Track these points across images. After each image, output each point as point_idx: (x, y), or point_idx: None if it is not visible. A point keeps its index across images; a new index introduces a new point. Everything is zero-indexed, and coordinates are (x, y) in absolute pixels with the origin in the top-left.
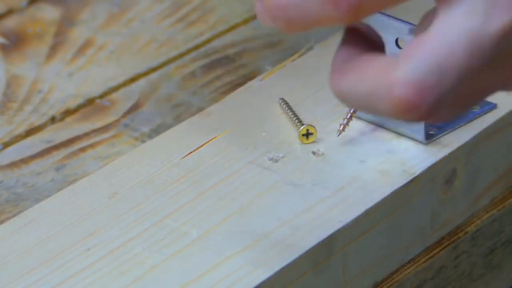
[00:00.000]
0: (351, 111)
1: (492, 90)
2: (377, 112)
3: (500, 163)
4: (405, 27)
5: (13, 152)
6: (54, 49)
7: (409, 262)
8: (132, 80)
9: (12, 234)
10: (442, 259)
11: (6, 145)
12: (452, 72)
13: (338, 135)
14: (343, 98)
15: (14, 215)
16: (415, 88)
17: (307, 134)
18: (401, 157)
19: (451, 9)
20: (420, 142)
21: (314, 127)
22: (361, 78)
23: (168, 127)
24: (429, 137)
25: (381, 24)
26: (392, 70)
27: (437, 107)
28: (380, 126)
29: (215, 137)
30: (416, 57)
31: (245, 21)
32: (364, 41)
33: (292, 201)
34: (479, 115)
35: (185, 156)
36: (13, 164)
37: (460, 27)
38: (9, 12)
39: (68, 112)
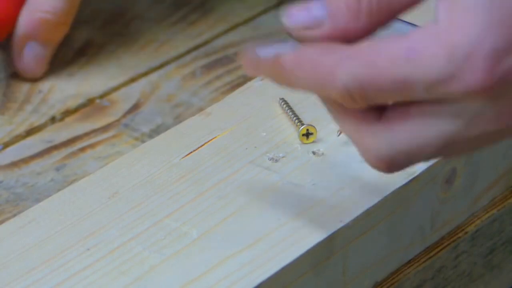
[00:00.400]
0: None
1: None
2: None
3: (500, 163)
4: (405, 27)
5: (13, 152)
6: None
7: (409, 262)
8: (132, 80)
9: (12, 234)
10: (442, 259)
11: (6, 145)
12: (419, 159)
13: (338, 135)
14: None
15: (14, 215)
16: (386, 164)
17: (307, 134)
18: None
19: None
20: None
21: (314, 127)
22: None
23: (168, 127)
24: None
25: None
26: (372, 138)
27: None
28: None
29: (215, 137)
30: (392, 137)
31: (245, 21)
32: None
33: (292, 201)
34: None
35: (185, 156)
36: (13, 164)
37: (435, 130)
38: None
39: (68, 112)
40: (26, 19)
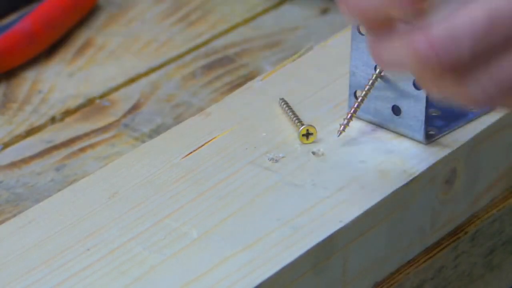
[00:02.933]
0: (352, 111)
1: None
2: (409, 71)
3: (500, 163)
4: None
5: (13, 152)
6: (54, 49)
7: (409, 262)
8: (132, 80)
9: (12, 234)
10: (442, 259)
11: (6, 145)
12: (465, 40)
13: (339, 135)
14: (381, 62)
15: (14, 215)
16: (429, 42)
17: (307, 134)
18: (401, 157)
19: None
20: (420, 142)
21: (314, 127)
22: (395, 43)
23: (168, 127)
24: (429, 137)
25: None
26: (418, 31)
27: (452, 69)
28: (380, 126)
29: (215, 137)
30: (437, 21)
31: (245, 21)
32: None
33: (292, 201)
34: (479, 115)
35: (185, 156)
36: (13, 164)
37: (483, 1)
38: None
39: (68, 112)
40: None
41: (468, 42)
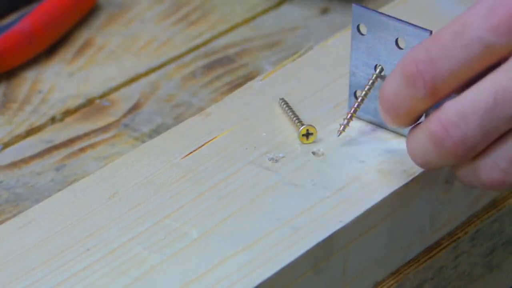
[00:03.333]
0: (352, 111)
1: None
2: (434, 158)
3: None
4: (405, 28)
5: (13, 152)
6: (54, 49)
7: (409, 262)
8: (132, 80)
9: (12, 234)
10: (442, 259)
11: (6, 145)
12: (474, 118)
13: (339, 135)
14: (415, 158)
15: (14, 215)
16: (441, 123)
17: (307, 134)
18: (401, 157)
19: (494, 71)
20: None
21: (314, 127)
22: (418, 128)
23: (168, 127)
24: None
25: (382, 25)
26: (432, 115)
27: (465, 145)
28: (380, 126)
29: (215, 137)
30: (449, 103)
31: (245, 21)
32: None
33: (292, 201)
34: None
35: (185, 156)
36: (13, 164)
37: (490, 81)
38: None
39: (68, 112)
40: None
41: (476, 119)
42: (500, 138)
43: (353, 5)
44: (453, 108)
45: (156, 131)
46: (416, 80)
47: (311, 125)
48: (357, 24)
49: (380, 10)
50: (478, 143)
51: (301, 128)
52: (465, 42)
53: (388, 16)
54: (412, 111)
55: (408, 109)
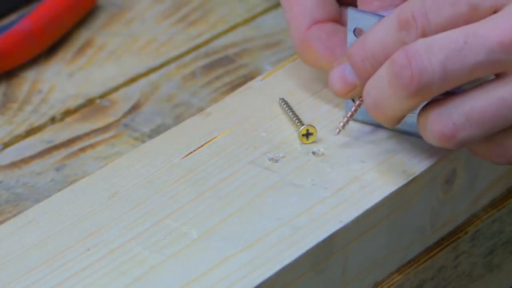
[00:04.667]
0: (352, 110)
1: None
2: (388, 85)
3: None
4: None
5: (13, 152)
6: (54, 49)
7: (409, 262)
8: (132, 80)
9: (12, 234)
10: (442, 259)
11: (6, 145)
12: (439, 54)
13: (337, 133)
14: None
15: (14, 215)
16: (405, 53)
17: (307, 134)
18: (401, 157)
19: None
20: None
21: (314, 127)
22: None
23: (168, 127)
24: None
25: (353, 17)
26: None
27: (421, 79)
28: (380, 126)
29: (215, 137)
30: (421, 39)
31: (245, 21)
32: None
33: (292, 201)
34: None
35: (185, 156)
36: (13, 164)
37: (466, 27)
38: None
39: (68, 112)
40: None
41: (440, 56)
42: (459, 93)
43: (349, 9)
44: (421, 41)
45: (156, 131)
46: (409, 25)
47: (311, 125)
48: (353, 28)
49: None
50: (435, 81)
51: (301, 128)
52: (454, 0)
53: (383, 16)
54: (390, 110)
55: (390, 56)
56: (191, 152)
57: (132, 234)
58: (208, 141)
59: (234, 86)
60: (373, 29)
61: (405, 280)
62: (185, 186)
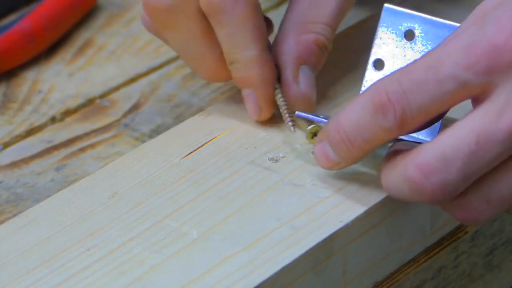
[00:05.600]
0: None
1: None
2: (409, 199)
3: None
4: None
5: (13, 152)
6: (54, 49)
7: (409, 262)
8: (132, 80)
9: (12, 234)
10: (442, 259)
11: (6, 145)
12: (456, 162)
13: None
14: (390, 191)
15: (14, 215)
16: (420, 169)
17: (315, 133)
18: None
19: (472, 111)
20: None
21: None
22: (393, 168)
23: (168, 127)
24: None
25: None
26: (409, 157)
27: (445, 191)
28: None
29: (215, 137)
30: (427, 146)
31: None
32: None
33: (292, 201)
34: None
35: (185, 156)
36: (13, 164)
37: (471, 124)
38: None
39: (68, 112)
40: (297, 42)
41: (458, 164)
42: (480, 183)
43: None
44: (432, 152)
45: (156, 131)
46: (386, 109)
47: (317, 125)
48: (405, 30)
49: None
50: (458, 187)
51: (311, 127)
52: (438, 77)
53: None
54: (371, 142)
55: (368, 140)
56: (191, 152)
57: (132, 234)
58: (208, 141)
59: (234, 86)
60: (346, 110)
61: (405, 280)
62: (185, 186)
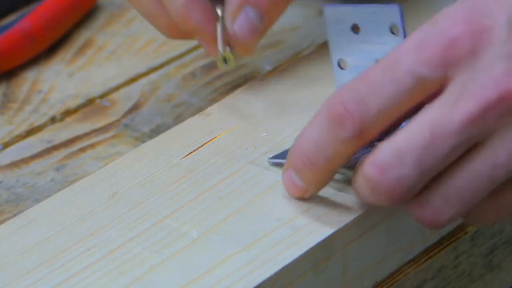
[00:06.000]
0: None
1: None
2: (371, 200)
3: None
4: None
5: (13, 152)
6: (54, 49)
7: (409, 262)
8: (132, 80)
9: (12, 234)
10: (442, 259)
11: (6, 145)
12: (411, 156)
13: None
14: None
15: (14, 215)
16: (376, 167)
17: (226, 60)
18: None
19: (427, 106)
20: None
21: (231, 54)
22: (356, 170)
23: (168, 127)
24: None
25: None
26: (368, 157)
27: (401, 187)
28: None
29: (215, 137)
30: (384, 144)
31: None
32: None
33: (292, 201)
34: None
35: (185, 156)
36: (13, 164)
37: (425, 117)
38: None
39: (68, 112)
40: None
41: (413, 158)
42: (438, 179)
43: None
44: (387, 148)
45: (156, 131)
46: (343, 119)
47: (229, 52)
48: (337, 60)
49: None
50: (415, 183)
51: (221, 53)
52: (395, 76)
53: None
54: (333, 160)
55: (329, 158)
56: (191, 152)
57: (132, 234)
58: (208, 141)
59: (234, 86)
60: (305, 130)
61: (405, 280)
62: (185, 186)
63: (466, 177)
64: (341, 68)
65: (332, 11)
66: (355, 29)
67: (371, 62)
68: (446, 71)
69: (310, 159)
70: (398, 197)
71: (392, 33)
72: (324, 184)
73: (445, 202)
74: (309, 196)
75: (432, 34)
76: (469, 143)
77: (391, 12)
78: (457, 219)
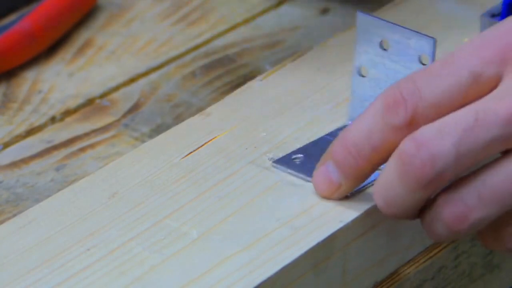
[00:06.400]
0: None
1: None
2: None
3: None
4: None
5: (13, 152)
6: (54, 49)
7: (409, 262)
8: (132, 80)
9: (12, 234)
10: (442, 259)
11: (6, 145)
12: (451, 135)
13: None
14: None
15: (14, 215)
16: (414, 141)
17: None
18: None
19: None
20: None
21: None
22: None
23: (168, 127)
24: None
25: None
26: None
27: (434, 166)
28: None
29: (215, 137)
30: (427, 125)
31: (245, 21)
32: None
33: (292, 201)
34: None
35: (185, 156)
36: (13, 164)
37: (473, 106)
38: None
39: (68, 112)
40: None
41: (453, 137)
42: (468, 174)
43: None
44: (429, 126)
45: (156, 131)
46: (397, 105)
47: None
48: (379, 40)
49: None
50: (448, 167)
51: None
52: (452, 70)
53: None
54: (380, 149)
55: (376, 147)
56: (191, 152)
57: (132, 234)
58: (208, 141)
59: (234, 86)
60: (355, 122)
61: (405, 280)
62: (185, 186)
63: (503, 177)
64: (361, 75)
65: (364, 19)
66: (384, 44)
67: (392, 80)
68: (501, 70)
69: (356, 147)
70: (426, 179)
71: (420, 62)
72: (361, 179)
73: (478, 201)
74: (337, 196)
75: (492, 36)
76: (508, 143)
77: (426, 44)
78: (482, 224)
